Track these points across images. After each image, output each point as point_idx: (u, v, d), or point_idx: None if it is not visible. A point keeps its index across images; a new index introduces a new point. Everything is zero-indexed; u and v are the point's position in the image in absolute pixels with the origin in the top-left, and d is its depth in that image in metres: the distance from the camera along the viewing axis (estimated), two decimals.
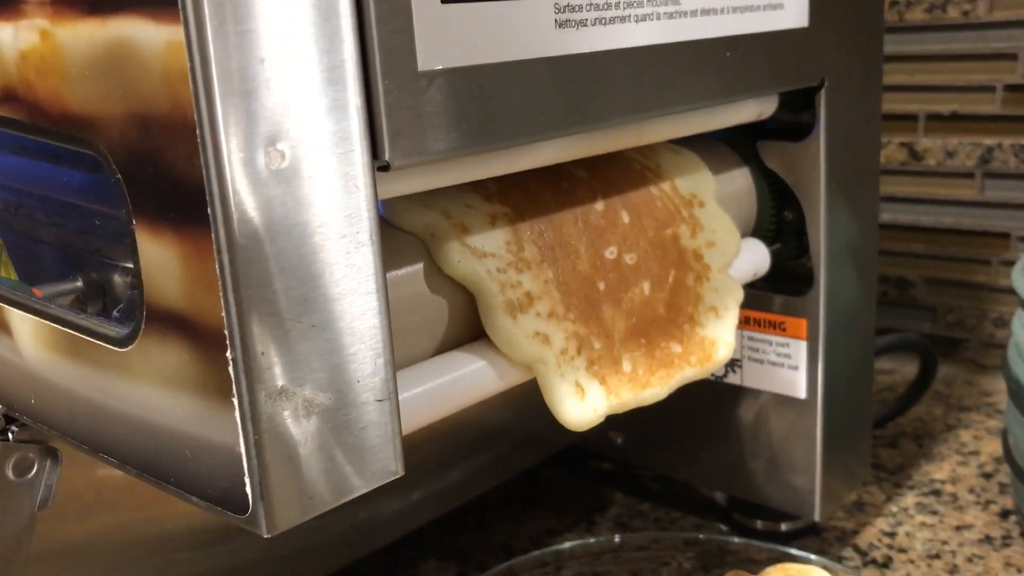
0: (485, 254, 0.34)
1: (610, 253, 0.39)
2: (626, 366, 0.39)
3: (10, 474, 0.35)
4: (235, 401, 0.24)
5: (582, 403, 0.37)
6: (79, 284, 0.36)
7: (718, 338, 0.43)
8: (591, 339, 0.38)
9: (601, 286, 0.38)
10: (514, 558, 0.52)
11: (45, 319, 0.31)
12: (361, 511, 0.51)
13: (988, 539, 0.56)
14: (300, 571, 0.49)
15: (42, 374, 0.32)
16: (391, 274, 0.32)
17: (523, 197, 0.37)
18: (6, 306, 0.33)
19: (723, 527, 0.58)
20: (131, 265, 0.35)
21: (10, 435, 0.35)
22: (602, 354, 0.38)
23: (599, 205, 0.39)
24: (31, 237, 0.39)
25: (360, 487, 0.27)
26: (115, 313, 0.33)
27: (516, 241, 0.35)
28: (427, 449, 0.28)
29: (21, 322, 0.33)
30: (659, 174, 0.42)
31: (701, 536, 0.54)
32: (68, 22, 0.26)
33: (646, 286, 0.40)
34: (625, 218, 0.40)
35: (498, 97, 0.30)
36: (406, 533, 0.54)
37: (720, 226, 0.44)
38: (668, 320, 0.41)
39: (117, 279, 0.36)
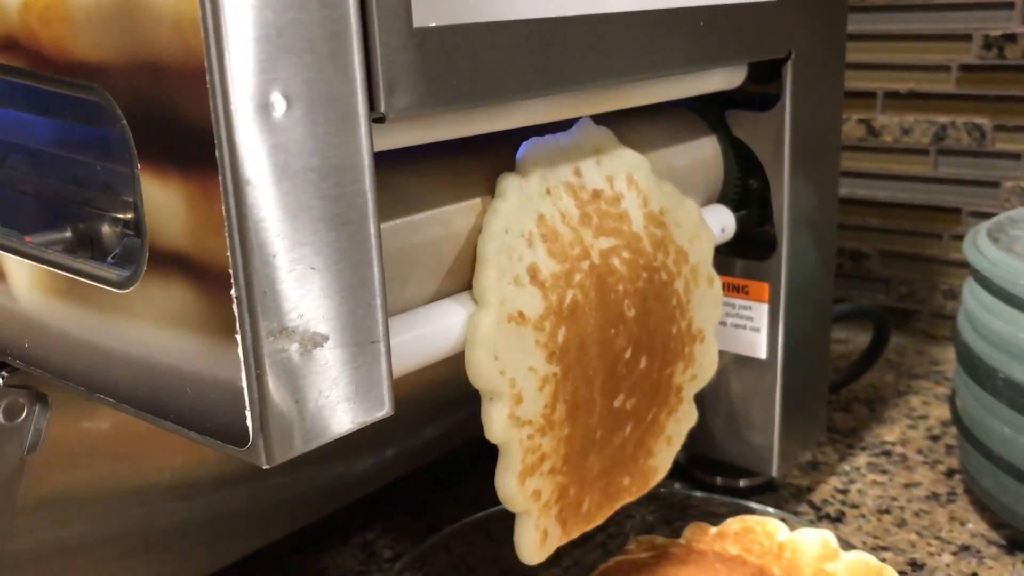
0: (524, 423, 0.36)
1: (618, 402, 0.40)
2: (584, 506, 0.41)
3: (0, 418, 0.36)
4: (238, 338, 0.26)
5: (542, 547, 0.39)
6: (68, 234, 0.37)
7: (659, 466, 0.45)
8: (570, 488, 0.39)
9: (598, 435, 0.39)
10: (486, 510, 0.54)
11: (42, 264, 0.32)
12: (337, 466, 0.53)
13: (934, 496, 0.58)
14: (277, 523, 0.50)
15: (37, 318, 0.33)
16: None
17: (577, 354, 0.37)
18: None
19: (682, 484, 0.60)
20: (121, 215, 0.36)
21: (0, 380, 0.36)
22: (572, 500, 0.40)
23: (628, 353, 0.39)
24: (17, 188, 0.40)
25: (353, 422, 0.28)
26: (109, 259, 0.34)
27: (552, 404, 0.37)
28: (400, 408, 0.30)
29: (14, 267, 0.33)
30: (685, 311, 0.42)
31: (663, 490, 0.56)
32: None
33: (629, 427, 0.41)
34: (643, 363, 0.40)
35: (485, 55, 0.31)
36: (379, 488, 0.56)
37: (707, 358, 0.45)
38: (631, 457, 0.43)
39: (106, 228, 0.37)
